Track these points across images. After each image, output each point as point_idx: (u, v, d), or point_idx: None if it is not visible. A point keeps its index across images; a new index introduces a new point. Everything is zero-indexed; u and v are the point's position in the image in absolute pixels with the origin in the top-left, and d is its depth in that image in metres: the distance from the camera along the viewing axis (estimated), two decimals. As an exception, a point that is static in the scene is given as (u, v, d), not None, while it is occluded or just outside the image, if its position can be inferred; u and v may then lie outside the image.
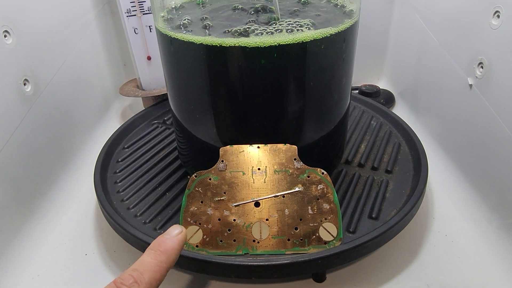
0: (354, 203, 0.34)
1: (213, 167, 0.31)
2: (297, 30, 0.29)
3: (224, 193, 0.30)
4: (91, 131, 0.52)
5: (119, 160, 0.42)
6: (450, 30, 0.43)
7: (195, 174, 0.30)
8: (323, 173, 0.30)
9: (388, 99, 0.56)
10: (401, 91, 0.58)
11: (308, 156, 0.31)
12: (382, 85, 0.60)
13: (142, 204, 0.35)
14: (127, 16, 0.50)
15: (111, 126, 0.54)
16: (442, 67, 0.45)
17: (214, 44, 0.28)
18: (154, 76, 0.54)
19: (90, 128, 0.52)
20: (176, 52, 0.31)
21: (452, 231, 0.36)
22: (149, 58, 0.52)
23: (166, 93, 0.53)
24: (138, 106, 0.58)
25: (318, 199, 0.30)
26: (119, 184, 0.38)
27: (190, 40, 0.29)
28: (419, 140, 0.41)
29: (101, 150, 0.42)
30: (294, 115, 0.31)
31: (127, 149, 0.44)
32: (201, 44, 0.28)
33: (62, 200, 0.42)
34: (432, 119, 0.49)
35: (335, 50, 0.30)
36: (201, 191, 0.30)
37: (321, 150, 0.35)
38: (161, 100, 0.53)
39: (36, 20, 0.41)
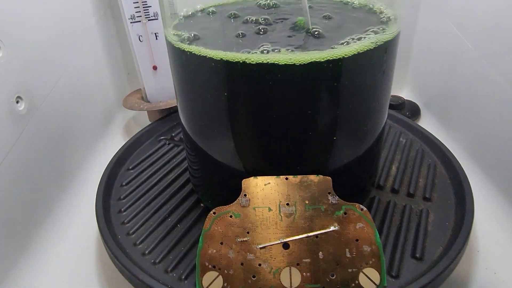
0: (393, 238, 0.30)
1: (235, 202, 0.26)
2: (335, 43, 0.24)
3: (248, 232, 0.26)
4: (92, 148, 0.48)
5: (124, 183, 0.38)
6: (490, 37, 0.39)
7: (213, 210, 0.26)
8: (362, 209, 0.26)
9: (414, 111, 0.52)
10: (426, 102, 0.54)
11: (340, 185, 0.27)
12: (405, 95, 0.56)
13: (151, 239, 0.31)
14: (131, 23, 0.45)
15: (114, 142, 0.50)
16: (479, 78, 0.41)
17: (237, 60, 0.24)
18: (161, 87, 0.49)
19: (91, 146, 0.48)
20: (190, 68, 0.27)
21: (501, 268, 0.32)
22: (155, 68, 0.48)
23: (173, 106, 0.49)
24: (142, 118, 0.54)
25: (357, 240, 0.26)
26: (124, 213, 0.34)
27: (208, 56, 0.24)
28: (457, 161, 0.37)
29: (104, 172, 0.38)
30: (329, 141, 0.27)
31: (132, 171, 0.40)
32: (221, 60, 0.24)
33: (60, 230, 0.38)
34: (468, 135, 0.44)
35: (377, 64, 0.26)
36: (221, 230, 0.26)
37: (356, 179, 0.31)
38: (168, 113, 0.49)
39: (31, 29, 0.37)
